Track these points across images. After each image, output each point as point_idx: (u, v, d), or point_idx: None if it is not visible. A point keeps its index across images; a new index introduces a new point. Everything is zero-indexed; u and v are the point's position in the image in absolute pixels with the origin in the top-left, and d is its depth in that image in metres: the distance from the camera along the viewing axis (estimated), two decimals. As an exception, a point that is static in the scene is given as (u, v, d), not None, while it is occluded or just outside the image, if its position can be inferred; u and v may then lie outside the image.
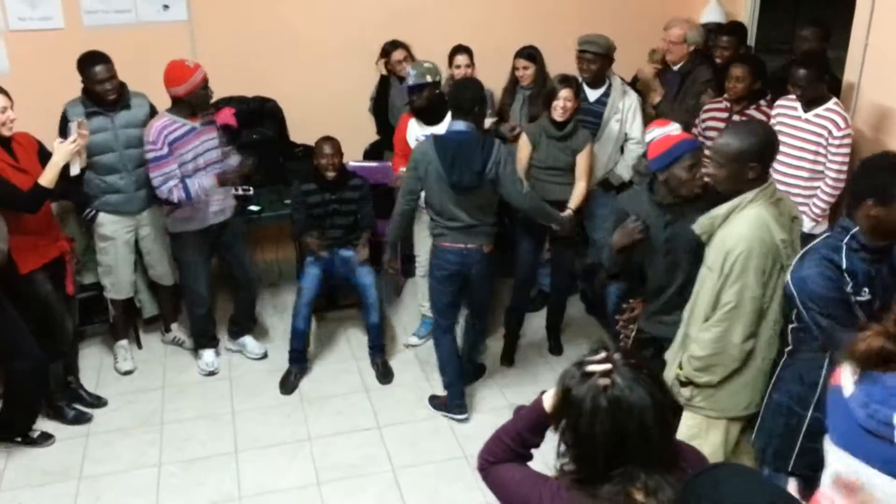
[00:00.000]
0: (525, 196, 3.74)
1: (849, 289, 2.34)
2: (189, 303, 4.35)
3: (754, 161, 2.56)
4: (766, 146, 2.61)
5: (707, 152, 2.79)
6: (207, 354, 4.40)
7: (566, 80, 4.01)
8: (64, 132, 3.80)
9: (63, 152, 3.54)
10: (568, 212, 4.10)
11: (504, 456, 1.81)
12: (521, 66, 4.66)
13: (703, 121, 4.29)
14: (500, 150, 3.62)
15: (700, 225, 2.69)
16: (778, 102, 3.92)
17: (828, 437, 1.78)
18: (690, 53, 4.65)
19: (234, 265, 4.38)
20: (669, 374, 2.83)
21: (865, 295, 2.36)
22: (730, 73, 4.10)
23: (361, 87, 4.98)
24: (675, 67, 4.69)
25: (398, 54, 4.83)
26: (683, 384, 2.77)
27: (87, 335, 4.63)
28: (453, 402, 3.98)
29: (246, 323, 4.54)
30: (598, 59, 4.25)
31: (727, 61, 4.35)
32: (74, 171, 3.62)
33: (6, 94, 3.50)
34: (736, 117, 4.11)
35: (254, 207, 4.68)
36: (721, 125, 4.14)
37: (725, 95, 4.20)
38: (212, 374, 4.35)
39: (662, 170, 2.93)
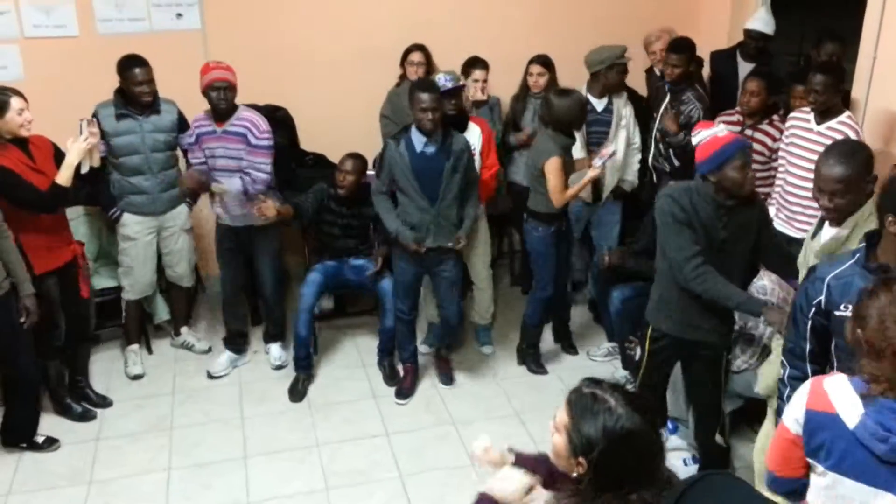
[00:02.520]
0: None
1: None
2: (222, 300, 4.53)
3: (869, 176, 2.61)
4: (871, 157, 2.65)
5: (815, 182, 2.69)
6: (222, 356, 4.48)
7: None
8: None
9: (76, 151, 3.61)
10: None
11: None
12: (537, 73, 4.69)
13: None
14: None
15: (825, 248, 2.65)
16: (791, 115, 3.91)
17: (819, 461, 1.82)
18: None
19: (256, 274, 4.44)
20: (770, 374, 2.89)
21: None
22: (744, 88, 4.12)
23: (374, 96, 5.00)
24: (658, 71, 4.71)
25: (416, 56, 4.86)
26: None
27: (101, 339, 4.65)
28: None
29: (272, 330, 4.58)
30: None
31: (678, 79, 4.35)
32: (85, 168, 3.69)
33: (22, 96, 3.55)
34: (748, 132, 4.11)
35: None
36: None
37: (737, 108, 4.21)
38: (212, 377, 4.38)
39: (714, 171, 2.89)
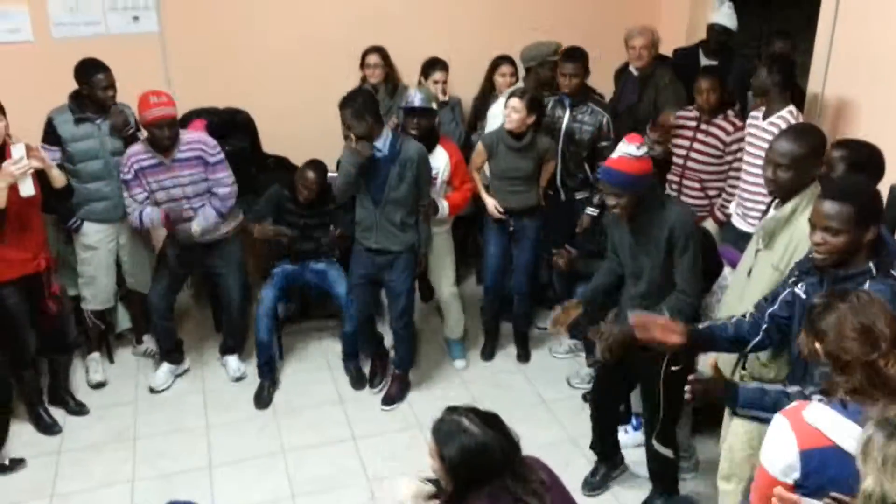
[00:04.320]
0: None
1: None
2: (150, 311, 4.34)
3: (816, 160, 2.68)
4: (823, 144, 2.73)
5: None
6: (160, 370, 4.38)
7: (521, 93, 4.11)
8: (49, 139, 3.90)
9: (4, 174, 3.40)
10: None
11: None
12: (509, 73, 4.69)
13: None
14: None
15: (764, 228, 2.74)
16: (751, 113, 3.97)
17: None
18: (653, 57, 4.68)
19: (218, 286, 4.39)
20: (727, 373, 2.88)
21: None
22: (698, 87, 4.16)
23: (335, 98, 4.96)
24: (635, 72, 4.72)
25: (372, 58, 4.85)
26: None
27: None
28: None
29: (230, 342, 4.52)
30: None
31: (575, 89, 4.27)
32: (26, 192, 3.47)
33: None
34: (703, 126, 4.17)
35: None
36: (690, 133, 4.21)
37: (695, 106, 4.25)
38: (153, 391, 4.30)
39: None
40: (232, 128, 4.94)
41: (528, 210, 4.27)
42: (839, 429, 1.76)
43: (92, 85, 3.93)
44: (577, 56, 4.29)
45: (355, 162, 3.73)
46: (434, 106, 4.00)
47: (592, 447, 3.63)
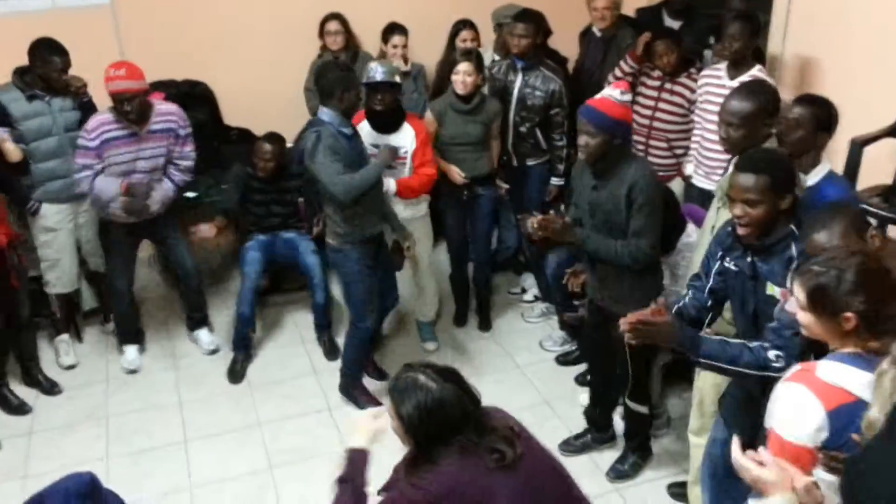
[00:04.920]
0: (340, 185, 3.42)
1: None
2: (109, 296, 4.29)
3: (768, 118, 2.72)
4: (775, 101, 2.78)
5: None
6: (129, 351, 4.31)
7: (466, 54, 4.07)
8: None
9: None
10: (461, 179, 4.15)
11: None
12: (470, 38, 4.64)
13: (636, 91, 4.35)
14: (306, 142, 3.46)
15: (722, 187, 2.77)
16: (703, 73, 3.99)
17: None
18: (616, 17, 4.66)
19: (169, 257, 4.33)
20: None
21: None
22: (655, 51, 4.16)
23: (295, 66, 4.90)
24: (598, 33, 4.71)
25: (332, 25, 4.78)
26: None
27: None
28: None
29: (195, 315, 4.47)
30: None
31: (525, 50, 4.19)
32: None
33: None
34: (668, 85, 4.19)
35: (190, 194, 4.58)
36: (654, 94, 4.23)
37: (657, 66, 4.25)
38: (133, 371, 4.24)
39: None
40: (191, 100, 4.84)
41: (481, 178, 4.22)
42: (858, 381, 1.76)
43: (47, 66, 3.80)
44: (526, 17, 4.23)
45: (384, 162, 3.67)
46: (397, 79, 3.80)
47: (585, 412, 3.67)
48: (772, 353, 2.23)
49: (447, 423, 1.98)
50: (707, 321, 2.64)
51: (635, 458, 3.50)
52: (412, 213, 4.11)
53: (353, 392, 3.94)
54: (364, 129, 3.81)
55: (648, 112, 4.26)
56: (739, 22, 3.70)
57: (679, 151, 4.26)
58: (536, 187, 4.48)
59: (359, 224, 3.62)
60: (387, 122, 3.84)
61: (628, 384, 3.31)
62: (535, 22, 4.24)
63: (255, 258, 4.30)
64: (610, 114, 2.95)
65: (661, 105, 4.22)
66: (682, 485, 3.26)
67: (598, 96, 3.04)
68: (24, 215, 4.06)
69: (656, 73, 4.25)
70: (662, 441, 3.65)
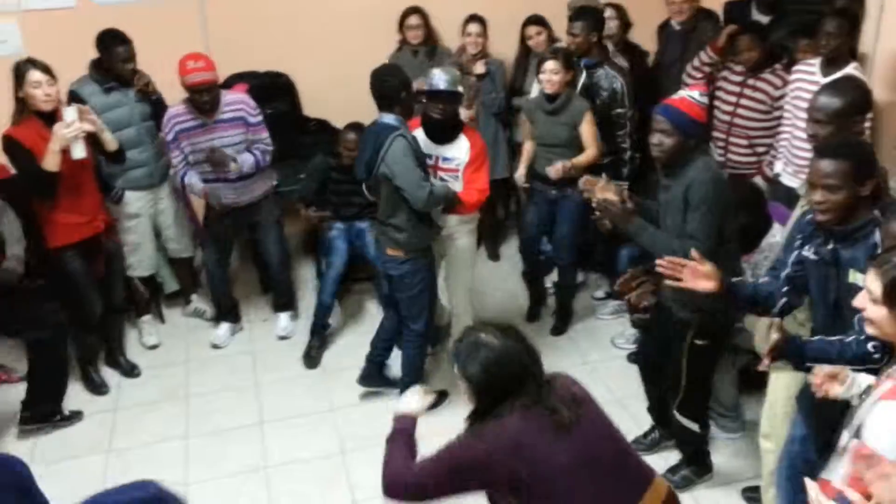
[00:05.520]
0: (425, 192, 3.38)
1: None
2: (206, 275, 4.48)
3: (859, 115, 2.72)
4: (867, 99, 2.75)
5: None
6: (222, 328, 4.49)
7: (554, 52, 4.00)
8: None
9: (57, 137, 3.45)
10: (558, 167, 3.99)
11: (409, 468, 2.15)
12: (535, 33, 4.63)
13: (717, 86, 4.26)
14: (395, 146, 3.34)
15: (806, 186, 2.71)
16: (795, 68, 3.86)
17: None
18: (695, 10, 4.57)
19: (260, 246, 4.46)
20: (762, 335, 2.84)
21: None
22: (737, 46, 4.07)
23: (373, 59, 4.93)
24: (677, 27, 4.61)
25: (413, 19, 4.81)
26: None
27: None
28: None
29: (280, 300, 4.60)
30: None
31: (579, 50, 4.15)
32: (77, 154, 3.52)
33: (47, 70, 3.53)
34: (750, 81, 4.09)
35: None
36: (736, 89, 4.13)
37: (739, 61, 4.15)
38: (216, 347, 4.41)
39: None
40: (273, 91, 4.97)
41: (570, 180, 4.08)
42: None
43: (112, 57, 3.93)
44: (581, 15, 4.17)
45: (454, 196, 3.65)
46: (460, 89, 3.63)
47: (649, 410, 3.62)
48: (870, 345, 2.18)
49: (511, 377, 2.05)
50: (779, 311, 2.56)
51: (688, 471, 3.38)
52: (460, 229, 3.89)
53: None
54: (418, 137, 3.63)
55: (730, 108, 4.16)
56: (838, 19, 3.58)
57: (760, 149, 4.15)
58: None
59: (426, 232, 3.60)
60: (442, 133, 3.67)
61: (679, 396, 3.21)
62: (592, 19, 4.17)
63: (341, 248, 4.38)
64: (689, 113, 2.89)
65: (743, 101, 4.13)
66: (757, 489, 3.20)
67: (676, 96, 2.99)
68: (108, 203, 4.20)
69: (739, 69, 4.16)
70: (737, 444, 3.58)
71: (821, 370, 2.09)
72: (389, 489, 2.15)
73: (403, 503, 2.17)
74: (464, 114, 4.31)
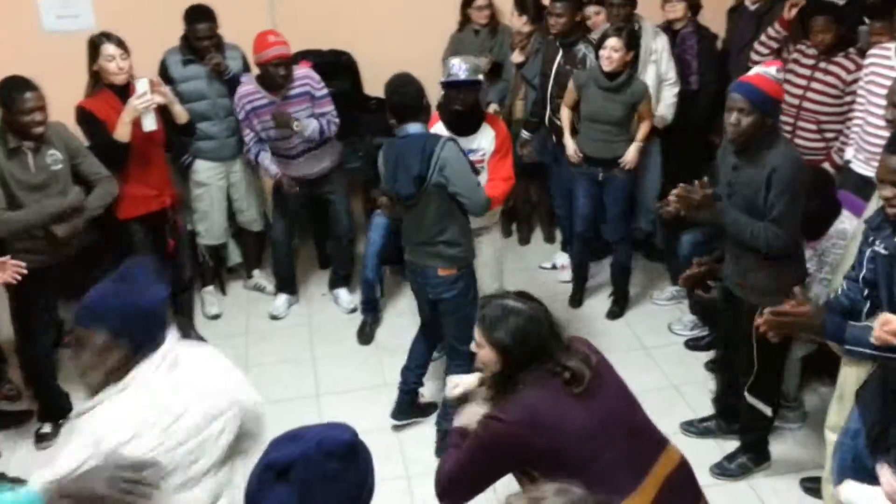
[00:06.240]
0: (482, 196, 3.23)
1: None
2: (272, 247, 4.58)
3: None
4: None
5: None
6: (280, 298, 4.59)
7: (617, 30, 3.93)
8: (164, 79, 3.97)
9: (129, 109, 3.54)
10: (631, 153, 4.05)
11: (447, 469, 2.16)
12: (594, 13, 4.54)
13: (787, 68, 4.14)
14: (447, 152, 3.12)
15: None
16: (870, 52, 3.74)
17: None
18: None
19: (328, 218, 4.53)
20: None
21: None
22: (811, 27, 3.94)
23: (435, 38, 4.96)
24: (752, 7, 4.50)
25: (481, 0, 4.78)
26: None
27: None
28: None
29: (340, 271, 4.67)
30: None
31: (563, 30, 4.18)
32: (148, 126, 3.60)
33: (121, 44, 3.63)
34: (822, 64, 3.97)
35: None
36: (807, 72, 4.02)
37: (812, 43, 4.04)
38: (274, 318, 4.50)
39: None
40: (334, 70, 5.00)
41: (618, 161, 4.12)
42: None
43: (192, 32, 4.05)
44: None
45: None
46: (480, 78, 3.49)
47: (715, 400, 3.59)
48: None
49: (538, 342, 2.07)
50: (865, 312, 2.50)
51: (746, 458, 3.33)
52: (486, 222, 3.68)
53: None
54: (439, 131, 3.49)
55: (799, 91, 4.05)
56: None
57: (829, 135, 4.04)
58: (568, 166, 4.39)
59: (473, 244, 3.42)
60: (465, 124, 3.52)
61: (751, 377, 3.16)
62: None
63: (380, 224, 4.39)
64: (766, 90, 2.81)
65: (814, 85, 4.01)
66: (817, 480, 3.14)
67: (751, 73, 2.93)
68: (182, 169, 4.35)
69: (811, 51, 4.04)
70: (797, 434, 3.52)
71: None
72: (436, 487, 2.18)
73: (458, 502, 2.18)
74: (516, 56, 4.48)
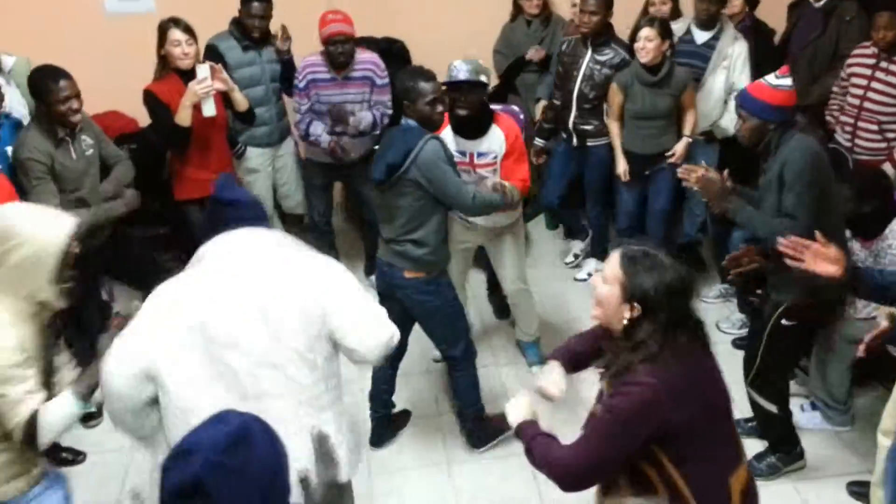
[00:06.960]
0: (472, 203, 3.09)
1: None
2: (311, 225, 4.63)
3: None
4: None
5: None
6: None
7: (650, 21, 3.91)
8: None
9: (189, 94, 3.58)
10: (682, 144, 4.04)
11: (570, 453, 1.94)
12: (659, 2, 4.49)
13: (848, 67, 4.07)
14: (428, 148, 2.97)
15: None
16: None
17: None
18: None
19: (361, 204, 4.57)
20: None
21: None
22: (875, 23, 3.87)
23: (488, 28, 4.96)
24: (817, 4, 4.41)
25: None
26: None
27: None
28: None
29: (373, 261, 4.70)
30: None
31: (595, 28, 4.06)
32: (208, 112, 3.65)
33: (188, 29, 3.69)
34: (883, 64, 3.90)
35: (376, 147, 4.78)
36: (868, 72, 3.94)
37: (871, 42, 3.96)
38: None
39: None
40: (387, 57, 4.99)
41: (664, 154, 4.09)
42: None
43: (246, 15, 4.09)
44: None
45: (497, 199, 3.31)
46: (483, 78, 3.33)
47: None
48: None
49: (686, 305, 1.91)
50: None
51: (774, 458, 3.28)
52: (509, 219, 3.66)
53: (490, 430, 3.50)
54: (447, 135, 3.39)
55: (860, 91, 3.99)
56: None
57: (891, 135, 3.97)
58: (598, 171, 4.35)
59: (447, 250, 3.32)
60: (471, 126, 3.41)
61: (752, 372, 3.15)
62: None
63: None
64: (765, 98, 2.85)
65: (875, 84, 3.95)
66: (864, 484, 3.09)
67: (755, 82, 3.00)
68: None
69: (871, 50, 3.96)
70: (845, 437, 3.47)
71: None
72: (565, 483, 1.94)
73: (584, 489, 1.98)
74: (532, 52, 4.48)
